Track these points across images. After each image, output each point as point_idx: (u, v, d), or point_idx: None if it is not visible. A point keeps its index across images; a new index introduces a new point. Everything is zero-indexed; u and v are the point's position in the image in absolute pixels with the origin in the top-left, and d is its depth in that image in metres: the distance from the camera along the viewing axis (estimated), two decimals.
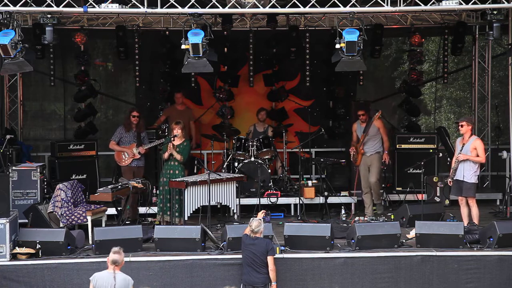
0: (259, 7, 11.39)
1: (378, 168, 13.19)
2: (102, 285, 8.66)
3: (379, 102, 16.46)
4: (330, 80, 15.94)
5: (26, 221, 11.57)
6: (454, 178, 11.84)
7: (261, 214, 11.18)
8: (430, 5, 11.44)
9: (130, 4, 11.38)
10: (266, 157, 14.46)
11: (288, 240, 11.01)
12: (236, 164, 14.25)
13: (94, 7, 11.22)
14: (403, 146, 14.89)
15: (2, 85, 15.62)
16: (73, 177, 13.90)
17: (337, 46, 11.30)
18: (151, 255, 10.87)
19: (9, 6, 11.02)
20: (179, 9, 11.42)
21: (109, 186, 12.16)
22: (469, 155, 11.69)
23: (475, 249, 10.98)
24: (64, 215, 11.80)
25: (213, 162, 14.81)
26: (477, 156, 11.70)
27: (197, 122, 15.50)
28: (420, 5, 11.57)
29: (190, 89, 15.97)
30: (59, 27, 12.60)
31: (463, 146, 11.78)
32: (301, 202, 13.56)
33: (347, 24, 11.60)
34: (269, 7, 11.45)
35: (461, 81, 18.86)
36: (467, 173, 11.70)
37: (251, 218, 10.42)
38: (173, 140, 12.49)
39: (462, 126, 11.85)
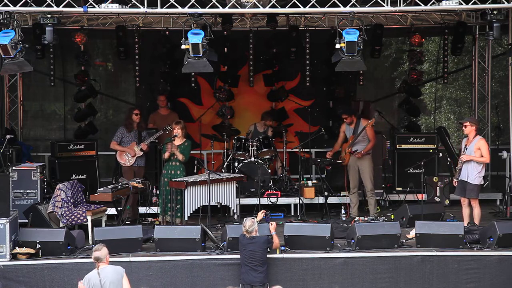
0: (259, 7, 11.39)
1: (370, 172, 13.08)
2: (93, 284, 8.71)
3: (379, 102, 16.48)
4: (330, 80, 15.94)
5: (26, 221, 11.57)
6: (459, 179, 11.82)
7: (261, 214, 11.21)
8: (430, 5, 11.44)
9: (130, 4, 11.37)
10: (266, 157, 14.46)
11: (288, 240, 11.01)
12: (236, 164, 14.25)
13: (94, 7, 11.22)
14: (403, 146, 14.87)
15: (2, 85, 15.62)
16: (73, 177, 13.90)
17: (337, 46, 11.30)
18: (151, 255, 10.87)
19: (9, 6, 11.02)
20: (179, 9, 11.42)
21: (109, 186, 12.16)
22: (472, 156, 11.67)
23: (475, 249, 10.99)
24: (64, 215, 11.80)
25: (213, 162, 14.81)
26: (481, 156, 11.67)
27: (197, 122, 15.53)
28: (420, 5, 11.56)
29: (190, 89, 15.99)
30: (59, 27, 12.59)
31: (466, 147, 11.75)
32: (301, 202, 13.57)
33: (347, 24, 11.59)
34: (269, 7, 11.45)
35: (461, 81, 18.87)
36: (471, 174, 11.68)
37: (244, 219, 10.46)
38: (174, 140, 12.49)
39: (465, 126, 11.82)
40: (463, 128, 11.90)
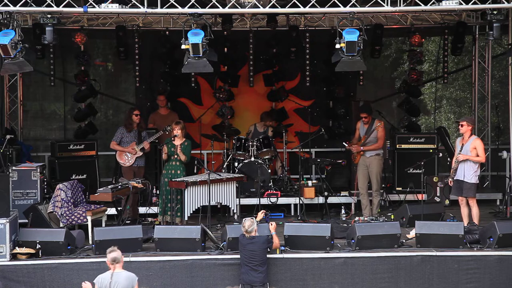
0: (259, 7, 11.40)
1: (379, 173, 13.09)
2: (104, 286, 8.68)
3: (379, 102, 16.47)
4: (330, 80, 15.94)
5: (26, 221, 11.56)
6: (455, 178, 11.84)
7: (261, 214, 11.22)
8: (430, 5, 11.44)
9: (130, 4, 11.37)
10: (266, 157, 14.46)
11: (288, 240, 11.01)
12: (236, 164, 14.25)
13: (94, 7, 11.22)
14: (403, 146, 14.87)
15: (2, 85, 15.61)
16: (73, 177, 13.90)
17: (337, 46, 11.30)
18: (151, 255, 10.87)
19: (9, 6, 11.02)
20: (179, 9, 11.42)
21: (109, 186, 12.16)
22: (468, 155, 11.70)
23: (475, 249, 10.99)
24: (64, 215, 11.80)
25: (213, 162, 14.81)
26: (477, 155, 11.71)
27: (197, 122, 15.54)
28: (420, 5, 11.57)
29: (190, 89, 16.00)
30: (59, 27, 12.59)
31: (462, 146, 11.79)
32: (301, 202, 13.56)
33: (347, 24, 11.60)
34: (269, 7, 11.45)
35: (461, 81, 18.86)
36: (468, 173, 11.71)
37: (243, 219, 10.47)
38: (173, 140, 12.49)
39: (462, 125, 11.86)
40: (460, 127, 11.93)
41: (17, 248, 10.75)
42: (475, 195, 11.81)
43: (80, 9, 11.30)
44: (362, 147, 13.03)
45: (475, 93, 16.32)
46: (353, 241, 10.99)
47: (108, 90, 16.55)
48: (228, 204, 12.72)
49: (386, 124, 15.77)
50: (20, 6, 11.08)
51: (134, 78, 15.88)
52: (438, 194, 14.07)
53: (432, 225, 11.22)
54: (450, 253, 10.85)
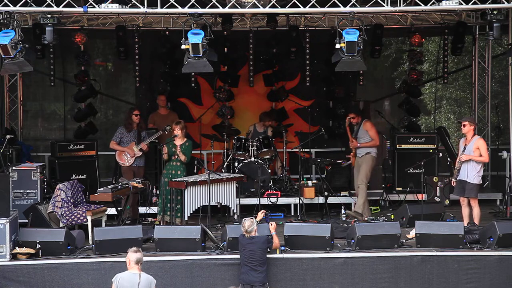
0: (259, 7, 11.40)
1: (366, 170, 13.10)
2: (125, 285, 8.64)
3: (379, 102, 16.48)
4: (330, 80, 15.94)
5: (26, 221, 11.56)
6: (457, 179, 11.83)
7: (261, 214, 11.21)
8: (430, 5, 11.44)
9: (130, 4, 11.37)
10: (266, 157, 14.46)
11: (288, 240, 11.01)
12: (236, 164, 14.26)
13: (94, 7, 11.22)
14: (403, 146, 14.88)
15: (2, 85, 15.61)
16: (73, 177, 13.90)
17: (337, 46, 11.30)
18: (151, 255, 10.86)
19: (9, 6, 11.02)
20: (179, 9, 11.42)
21: (109, 186, 12.16)
22: (471, 155, 11.67)
23: (475, 249, 10.98)
24: (64, 215, 11.80)
25: (213, 162, 14.81)
26: (480, 155, 11.69)
27: (197, 122, 15.54)
28: (420, 5, 11.57)
29: (190, 89, 16.00)
30: (59, 27, 12.58)
31: (465, 147, 11.77)
32: (301, 202, 13.56)
33: (347, 24, 11.60)
34: (269, 7, 11.45)
35: (461, 81, 18.88)
36: (470, 173, 11.68)
37: (243, 219, 10.47)
38: (174, 140, 12.49)
39: (464, 126, 11.84)
40: (462, 127, 11.91)
41: (17, 248, 10.74)
42: (477, 195, 11.80)
43: (80, 9, 11.30)
44: (359, 144, 13.11)
45: (475, 93, 16.32)
46: (353, 241, 10.99)
47: (108, 90, 16.56)
48: (228, 204, 12.72)
49: (386, 124, 15.83)
50: (20, 6, 11.08)
51: (134, 78, 15.88)
52: (438, 194, 14.07)
53: (432, 225, 11.22)
54: (450, 253, 10.84)
